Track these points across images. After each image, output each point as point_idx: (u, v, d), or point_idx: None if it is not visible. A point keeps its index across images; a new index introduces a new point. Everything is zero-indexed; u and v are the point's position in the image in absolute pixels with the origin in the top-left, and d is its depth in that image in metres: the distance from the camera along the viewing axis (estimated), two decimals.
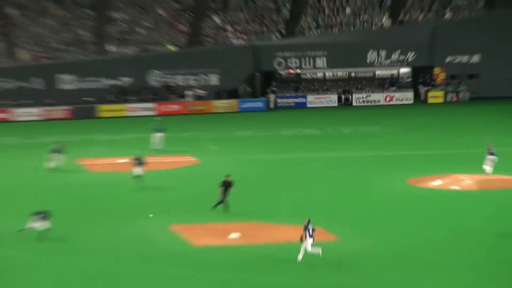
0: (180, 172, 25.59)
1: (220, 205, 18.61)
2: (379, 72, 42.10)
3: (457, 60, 40.48)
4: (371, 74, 42.16)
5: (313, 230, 14.00)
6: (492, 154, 22.22)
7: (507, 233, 16.08)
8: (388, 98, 40.39)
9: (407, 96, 40.28)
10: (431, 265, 14.19)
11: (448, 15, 42.51)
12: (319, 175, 23.93)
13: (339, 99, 40.42)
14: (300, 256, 13.80)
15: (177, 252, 15.15)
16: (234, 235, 16.60)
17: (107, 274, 13.86)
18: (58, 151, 24.54)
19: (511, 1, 42.85)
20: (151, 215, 18.43)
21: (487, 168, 22.26)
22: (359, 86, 41.54)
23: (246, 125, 37.18)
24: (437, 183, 22.82)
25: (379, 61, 39.73)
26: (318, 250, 14.07)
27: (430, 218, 18.11)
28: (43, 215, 16.02)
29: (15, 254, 15.11)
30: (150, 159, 23.32)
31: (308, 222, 14.05)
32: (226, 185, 18.39)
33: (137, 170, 21.62)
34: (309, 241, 13.89)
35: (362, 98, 40.53)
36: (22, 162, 27.31)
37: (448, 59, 40.10)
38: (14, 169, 26.39)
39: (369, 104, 40.19)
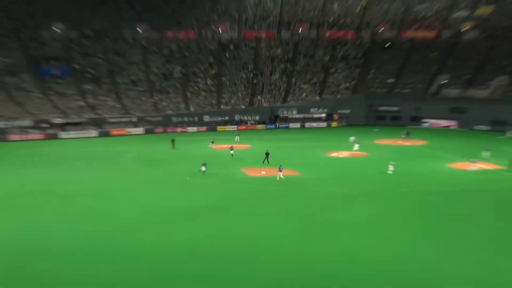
0: (244, 150, 59.87)
1: (264, 162, 48.53)
2: (315, 116, 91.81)
3: (343, 112, 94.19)
4: (312, 117, 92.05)
5: (281, 169, 40.06)
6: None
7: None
8: (317, 124, 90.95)
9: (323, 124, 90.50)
10: (342, 181, 40.41)
11: (338, 96, 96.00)
12: (301, 152, 56.90)
13: (302, 125, 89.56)
14: (278, 178, 39.86)
15: (243, 178, 41.86)
16: (263, 172, 43.86)
17: (223, 187, 38.63)
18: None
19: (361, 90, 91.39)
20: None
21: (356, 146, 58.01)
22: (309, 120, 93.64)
23: (268, 134, 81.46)
24: (334, 154, 54.38)
25: (316, 112, 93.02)
26: (282, 177, 39.88)
27: (337, 166, 46.96)
28: (205, 163, 42.99)
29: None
30: (235, 146, 58.66)
31: (280, 166, 40.50)
32: (267, 154, 48.77)
33: (232, 151, 53.75)
34: (280, 173, 39.92)
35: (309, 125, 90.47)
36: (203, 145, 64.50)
37: (338, 111, 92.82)
38: (204, 149, 61.26)
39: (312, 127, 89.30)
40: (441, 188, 39.43)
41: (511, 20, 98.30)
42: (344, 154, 56.87)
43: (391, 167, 44.41)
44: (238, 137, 70.95)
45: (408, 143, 68.14)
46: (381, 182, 41.83)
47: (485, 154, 53.99)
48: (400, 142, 69.15)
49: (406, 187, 39.84)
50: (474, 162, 47.99)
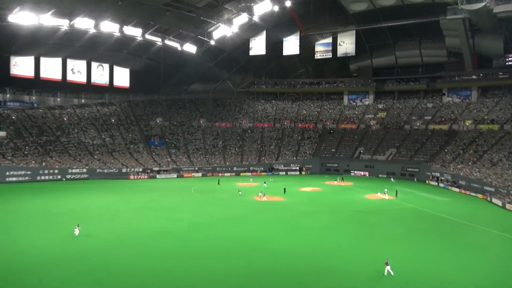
0: (259, 186, 77.28)
1: (284, 192, 65.89)
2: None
3: None
4: None
5: (263, 194, 59.96)
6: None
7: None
8: None
9: None
10: (308, 203, 53.38)
11: None
12: (286, 187, 70.68)
13: (286, 173, 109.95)
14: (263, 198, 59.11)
15: (252, 201, 58.83)
16: (264, 198, 60.38)
17: (244, 206, 53.94)
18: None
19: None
20: (240, 193, 61.28)
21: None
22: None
23: (268, 177, 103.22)
24: (307, 188, 70.54)
25: None
26: (265, 199, 57.63)
27: (305, 195, 59.18)
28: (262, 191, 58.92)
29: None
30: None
31: (263, 191, 61.11)
32: (284, 189, 66.65)
33: (240, 192, 68.03)
34: (264, 197, 58.16)
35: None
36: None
37: None
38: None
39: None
40: (361, 208, 51.02)
41: (396, 120, 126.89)
42: (308, 189, 74.88)
43: (385, 190, 57.60)
44: (265, 184, 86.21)
45: (343, 183, 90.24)
46: (328, 204, 53.80)
47: (385, 190, 71.23)
48: (338, 183, 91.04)
49: (342, 207, 51.23)
50: (378, 194, 65.36)
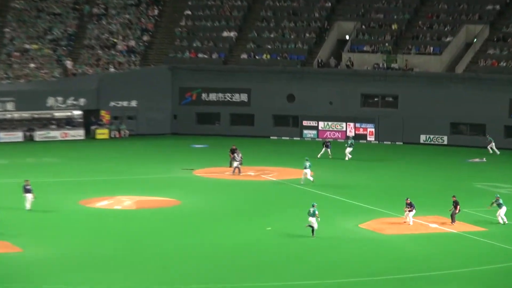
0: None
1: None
2: (57, 114, 46.33)
3: (119, 105, 46.76)
4: (51, 115, 46.37)
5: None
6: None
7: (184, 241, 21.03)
8: (64, 135, 45.53)
9: (79, 133, 45.53)
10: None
11: (112, 69, 48.31)
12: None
13: (24, 135, 44.70)
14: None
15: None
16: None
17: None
18: None
19: (160, 59, 49.09)
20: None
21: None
22: (41, 125, 45.79)
23: None
24: (103, 203, 26.84)
25: (57, 105, 45.36)
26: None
27: (97, 231, 22.49)
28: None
29: None
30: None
31: None
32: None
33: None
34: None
35: (43, 134, 44.92)
36: None
37: (112, 104, 46.36)
38: None
39: (49, 139, 44.54)
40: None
41: None
42: (124, 203, 30.51)
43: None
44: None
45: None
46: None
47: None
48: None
49: None
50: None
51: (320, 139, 44.20)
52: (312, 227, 21.14)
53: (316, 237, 21.32)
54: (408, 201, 22.84)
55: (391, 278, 17.57)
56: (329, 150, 37.64)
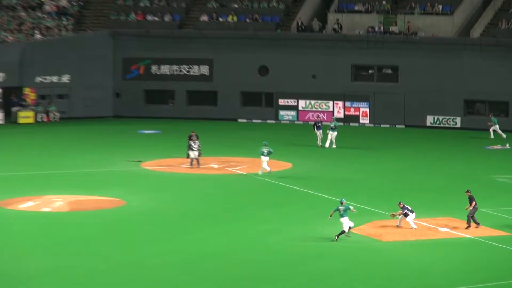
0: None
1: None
2: None
3: (47, 80, 41.05)
4: None
5: None
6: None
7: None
8: None
9: None
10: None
11: (38, 36, 41.84)
12: None
13: None
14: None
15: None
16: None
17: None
18: None
19: (99, 22, 43.63)
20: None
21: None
22: None
23: None
24: (28, 204, 23.16)
25: None
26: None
27: (19, 240, 18.64)
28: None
29: None
30: None
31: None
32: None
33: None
34: None
35: None
36: None
37: (38, 79, 40.49)
38: None
39: None
40: None
41: None
42: (54, 204, 28.22)
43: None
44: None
45: None
46: None
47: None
48: None
49: None
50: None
51: (308, 122, 40.56)
52: (344, 230, 18.82)
53: (299, 247, 18.82)
54: (401, 205, 20.06)
55: None
56: (319, 133, 34.47)
